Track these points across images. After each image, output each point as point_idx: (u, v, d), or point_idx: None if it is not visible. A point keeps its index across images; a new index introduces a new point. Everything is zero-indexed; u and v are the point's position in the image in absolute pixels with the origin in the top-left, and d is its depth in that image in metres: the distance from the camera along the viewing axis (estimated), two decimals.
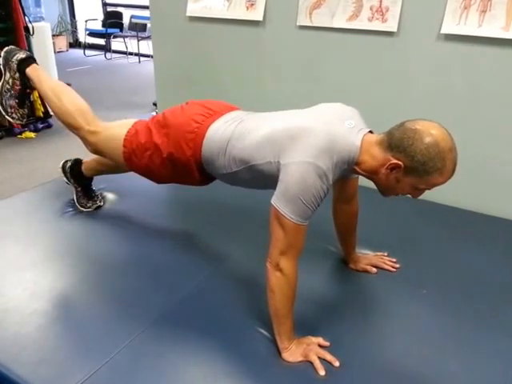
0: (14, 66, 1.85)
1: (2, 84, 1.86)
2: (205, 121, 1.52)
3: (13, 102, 1.89)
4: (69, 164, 2.08)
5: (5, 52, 1.88)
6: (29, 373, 1.23)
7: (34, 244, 1.82)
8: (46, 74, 1.86)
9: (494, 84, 1.98)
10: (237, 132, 1.44)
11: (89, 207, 2.05)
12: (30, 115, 1.91)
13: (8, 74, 1.87)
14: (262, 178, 1.37)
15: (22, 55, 1.86)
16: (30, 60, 1.87)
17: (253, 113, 1.57)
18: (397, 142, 1.20)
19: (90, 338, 1.36)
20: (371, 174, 1.30)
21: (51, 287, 1.58)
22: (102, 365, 1.26)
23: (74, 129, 1.75)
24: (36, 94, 4.83)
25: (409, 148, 1.17)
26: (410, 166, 1.18)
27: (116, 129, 1.70)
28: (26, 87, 1.89)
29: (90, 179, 2.10)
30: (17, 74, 1.86)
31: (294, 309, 1.31)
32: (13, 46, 1.92)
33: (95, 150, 1.76)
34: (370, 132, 1.34)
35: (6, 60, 1.87)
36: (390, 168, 1.22)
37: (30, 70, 1.84)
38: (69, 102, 1.75)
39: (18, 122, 1.94)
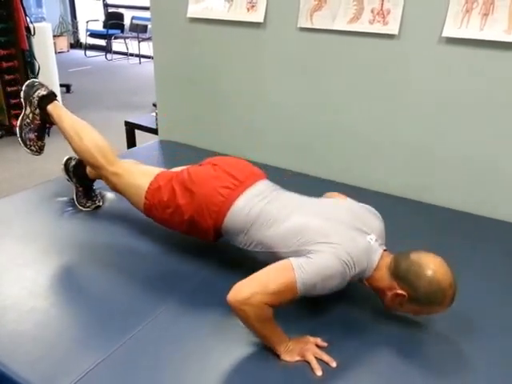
0: (35, 102, 1.86)
1: (22, 117, 1.89)
2: (230, 194, 1.54)
3: (32, 136, 1.91)
4: (73, 163, 2.06)
5: (26, 86, 1.89)
6: (26, 370, 1.23)
7: (32, 242, 1.82)
8: (66, 112, 1.87)
9: (496, 87, 1.98)
10: (262, 217, 1.47)
11: (88, 207, 2.05)
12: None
13: (28, 109, 1.89)
14: (276, 260, 1.37)
15: (43, 92, 1.86)
16: (51, 97, 1.88)
17: (277, 190, 1.61)
18: (403, 274, 1.31)
19: (88, 335, 1.36)
20: (377, 291, 1.41)
21: (49, 285, 1.57)
22: (100, 362, 1.25)
23: (96, 167, 1.78)
24: None
25: (414, 283, 1.28)
26: (414, 297, 1.30)
27: (138, 177, 1.71)
28: (46, 122, 1.92)
29: (93, 180, 2.09)
30: (37, 110, 1.87)
31: (290, 309, 1.31)
32: (35, 80, 1.93)
33: (114, 189, 1.79)
34: (384, 250, 1.42)
35: (27, 95, 1.88)
36: (395, 295, 1.33)
37: (51, 108, 1.86)
38: (89, 141, 1.77)
39: (36, 154, 1.96)
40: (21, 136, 1.91)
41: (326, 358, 1.29)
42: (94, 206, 2.06)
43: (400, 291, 1.31)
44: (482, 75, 1.99)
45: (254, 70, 2.58)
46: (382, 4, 2.07)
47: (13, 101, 4.68)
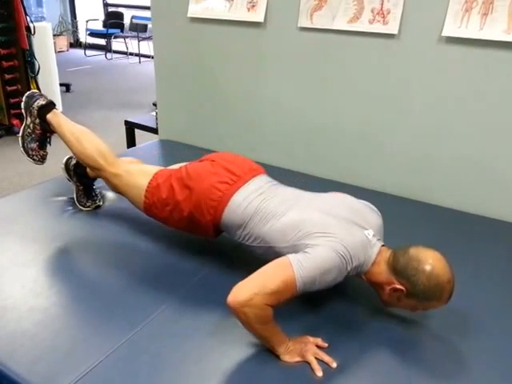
0: (35, 112, 1.90)
1: (24, 128, 1.92)
2: (228, 189, 1.55)
3: (34, 145, 1.94)
4: (73, 162, 2.06)
5: (26, 97, 1.93)
6: (26, 370, 1.23)
7: (33, 242, 1.82)
8: (65, 119, 1.90)
9: (496, 87, 1.98)
10: (260, 212, 1.48)
11: (88, 206, 2.05)
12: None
13: (29, 119, 1.92)
14: (274, 255, 1.38)
15: (42, 101, 1.90)
16: (50, 106, 1.91)
17: (276, 185, 1.61)
18: (401, 268, 1.31)
19: (88, 335, 1.36)
20: (375, 286, 1.41)
21: (50, 284, 1.57)
22: (100, 362, 1.25)
23: (96, 170, 1.80)
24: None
25: (412, 277, 1.28)
26: (412, 292, 1.30)
27: (137, 177, 1.72)
28: (47, 131, 1.95)
29: (94, 179, 2.09)
30: (37, 120, 1.91)
31: (290, 309, 1.31)
32: (35, 91, 1.96)
33: (115, 189, 1.81)
34: (383, 246, 1.43)
35: (27, 105, 1.92)
36: (393, 290, 1.33)
37: (50, 116, 1.89)
38: (89, 145, 1.79)
39: (38, 163, 1.98)
40: (23, 146, 1.94)
41: (326, 358, 1.29)
42: (94, 206, 2.06)
43: (398, 286, 1.31)
44: (482, 75, 1.99)
45: (254, 70, 2.58)
46: (382, 4, 2.07)
47: (12, 100, 4.68)
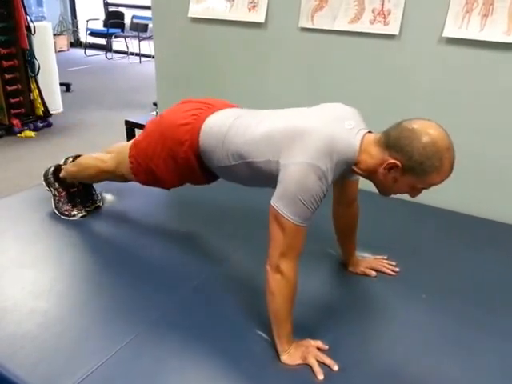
0: (52, 179, 2.05)
1: (53, 200, 2.04)
2: (202, 113, 1.54)
3: (67, 207, 2.02)
4: (52, 169, 2.07)
5: (43, 176, 2.08)
6: (26, 372, 1.22)
7: (33, 243, 1.81)
8: (68, 167, 1.99)
9: (496, 88, 1.98)
10: (235, 126, 1.44)
11: (88, 206, 2.04)
12: (87, 205, 2.07)
13: (52, 190, 2.05)
14: (259, 176, 1.37)
15: (52, 168, 2.06)
16: (58, 166, 2.06)
17: (251, 109, 1.57)
18: (394, 141, 1.20)
19: (89, 337, 1.36)
20: (369, 174, 1.30)
21: (50, 286, 1.57)
22: (100, 364, 1.25)
23: (115, 178, 1.83)
24: (36, 93, 4.84)
25: (406, 147, 1.17)
26: (408, 166, 1.18)
27: (121, 150, 1.75)
28: (68, 188, 2.04)
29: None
30: (56, 184, 2.04)
31: (293, 312, 1.31)
32: (47, 169, 2.08)
33: (129, 180, 1.79)
34: (369, 132, 1.34)
35: (46, 179, 2.07)
36: (387, 168, 1.22)
37: (61, 175, 2.02)
38: (92, 169, 1.87)
39: (81, 216, 2.01)
40: (60, 213, 2.01)
41: (327, 361, 1.28)
42: (94, 206, 2.05)
43: (392, 161, 1.20)
44: (482, 75, 1.99)
45: (254, 70, 2.58)
46: (383, 4, 2.07)
47: (13, 100, 4.68)
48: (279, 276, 1.25)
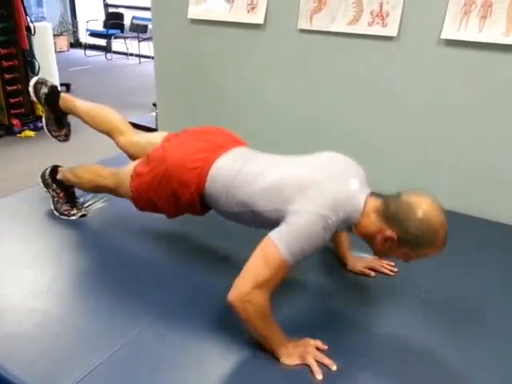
0: (49, 181, 2.04)
1: (52, 201, 2.04)
2: (209, 157, 1.53)
3: (66, 207, 2.03)
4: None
5: (41, 177, 2.07)
6: (24, 371, 1.23)
7: (32, 242, 1.82)
8: (67, 175, 1.98)
9: (494, 89, 1.98)
10: (242, 172, 1.46)
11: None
12: (86, 205, 2.11)
13: (50, 191, 2.05)
14: (262, 222, 1.38)
15: (48, 170, 2.05)
16: (54, 168, 2.06)
17: (258, 153, 1.60)
18: (392, 214, 1.27)
19: (87, 336, 1.36)
20: (366, 238, 1.36)
21: (49, 286, 1.58)
22: (99, 364, 1.25)
23: (114, 195, 1.81)
24: None
25: (403, 222, 1.24)
26: (404, 238, 1.25)
27: (121, 174, 1.73)
28: (67, 188, 2.04)
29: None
30: (54, 185, 2.03)
31: (290, 311, 1.31)
32: (44, 171, 2.07)
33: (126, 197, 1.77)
34: (370, 194, 1.38)
35: (44, 180, 2.06)
36: (384, 238, 1.28)
37: (58, 177, 2.02)
38: (91, 182, 1.86)
39: (80, 216, 2.02)
40: (60, 213, 2.01)
41: (326, 361, 1.28)
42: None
43: (389, 233, 1.26)
44: (481, 77, 1.99)
45: (253, 71, 2.58)
46: (382, 6, 2.08)
47: (12, 100, 4.68)
48: (248, 305, 1.22)
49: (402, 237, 1.25)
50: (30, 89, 2.04)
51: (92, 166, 1.93)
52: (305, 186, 1.31)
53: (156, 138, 1.81)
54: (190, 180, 1.52)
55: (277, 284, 1.25)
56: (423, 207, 1.22)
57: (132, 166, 1.68)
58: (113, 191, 1.79)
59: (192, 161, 1.53)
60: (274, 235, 1.26)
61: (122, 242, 1.86)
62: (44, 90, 2.00)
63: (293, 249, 1.23)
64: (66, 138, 2.15)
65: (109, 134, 1.92)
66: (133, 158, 1.84)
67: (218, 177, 1.49)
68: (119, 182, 1.73)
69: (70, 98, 2.03)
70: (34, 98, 2.06)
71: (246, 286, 1.22)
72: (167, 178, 1.54)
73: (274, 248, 1.23)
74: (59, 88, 2.06)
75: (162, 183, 1.56)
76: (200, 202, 1.58)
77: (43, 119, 2.09)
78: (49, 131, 2.11)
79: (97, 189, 1.90)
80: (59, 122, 2.10)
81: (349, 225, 1.35)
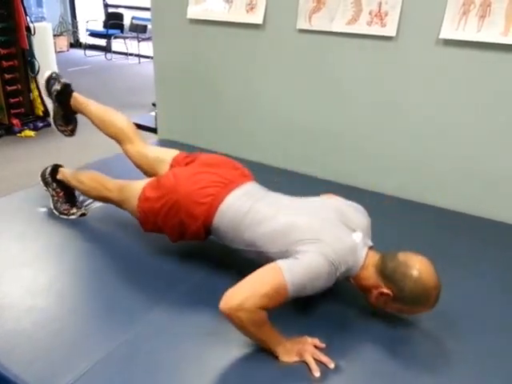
0: (49, 180, 2.05)
1: (52, 200, 2.04)
2: (219, 192, 1.55)
3: (65, 206, 2.02)
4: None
5: (41, 176, 2.08)
6: (23, 369, 1.23)
7: (31, 241, 1.82)
8: (70, 179, 1.99)
9: (493, 88, 1.99)
10: (252, 212, 1.48)
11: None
12: (86, 204, 2.11)
13: (50, 190, 2.05)
14: (266, 260, 1.38)
15: (49, 168, 2.07)
16: (55, 167, 2.07)
17: (266, 191, 1.62)
18: (389, 273, 1.33)
19: (86, 335, 1.37)
20: (364, 289, 1.43)
21: (48, 285, 1.58)
22: (97, 362, 1.26)
23: (117, 207, 1.80)
24: (35, 93, 4.85)
25: (399, 282, 1.31)
26: (398, 296, 1.32)
27: (128, 191, 1.73)
28: (66, 188, 2.04)
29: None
30: (54, 185, 2.04)
31: (288, 310, 1.31)
32: (44, 170, 2.08)
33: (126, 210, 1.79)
34: (370, 247, 1.44)
35: (44, 179, 2.07)
36: (380, 293, 1.35)
37: (59, 176, 2.04)
38: (96, 192, 1.86)
39: (80, 215, 2.02)
40: (59, 212, 2.01)
41: (324, 359, 1.29)
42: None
43: (385, 290, 1.32)
44: (479, 77, 2.00)
45: (252, 71, 2.59)
46: (380, 6, 2.08)
47: (12, 100, 4.68)
48: (242, 313, 1.21)
49: (397, 295, 1.32)
50: (43, 81, 2.04)
51: (97, 175, 1.90)
52: (314, 233, 1.36)
53: (165, 155, 1.83)
54: (199, 213, 1.54)
55: (269, 307, 1.24)
56: (419, 269, 1.30)
57: (139, 185, 1.67)
58: (115, 204, 1.80)
59: (203, 195, 1.54)
60: (283, 263, 1.29)
61: (121, 241, 1.86)
62: (57, 86, 1.98)
63: (297, 282, 1.26)
64: (72, 133, 2.16)
65: (117, 140, 1.93)
66: (137, 166, 1.87)
67: (228, 213, 1.52)
68: (124, 198, 1.73)
69: (83, 99, 2.02)
70: (45, 92, 2.06)
71: (243, 295, 1.21)
72: (176, 209, 1.56)
73: (280, 273, 1.25)
74: (72, 87, 2.04)
75: (170, 212, 1.58)
76: (205, 233, 1.61)
77: (51, 112, 2.11)
78: (56, 125, 2.13)
79: (99, 199, 1.90)
80: (67, 118, 2.10)
81: (348, 276, 1.41)
